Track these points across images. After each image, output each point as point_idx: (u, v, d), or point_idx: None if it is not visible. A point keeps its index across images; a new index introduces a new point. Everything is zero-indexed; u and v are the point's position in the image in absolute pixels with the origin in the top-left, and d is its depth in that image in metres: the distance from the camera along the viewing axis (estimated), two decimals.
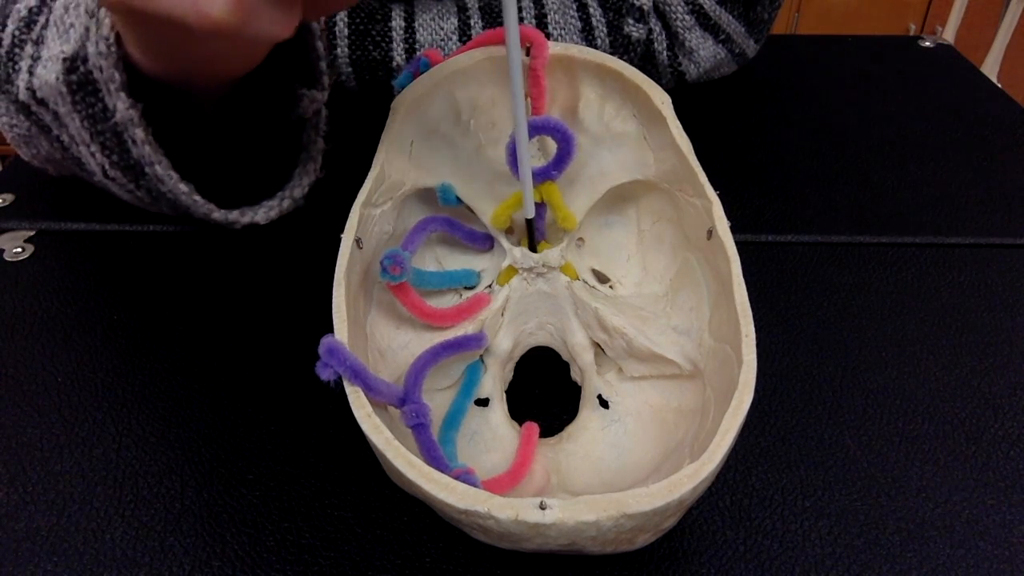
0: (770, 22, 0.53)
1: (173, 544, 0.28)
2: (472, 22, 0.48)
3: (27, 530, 0.29)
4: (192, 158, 0.36)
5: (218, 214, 0.36)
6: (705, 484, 0.23)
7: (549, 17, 0.48)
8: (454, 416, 0.30)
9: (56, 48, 0.32)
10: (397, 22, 0.47)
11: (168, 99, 0.34)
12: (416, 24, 0.48)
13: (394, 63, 0.48)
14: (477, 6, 0.48)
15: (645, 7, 0.48)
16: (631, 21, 0.48)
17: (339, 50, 0.47)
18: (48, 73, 0.32)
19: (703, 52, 0.51)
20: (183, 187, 0.34)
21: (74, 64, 0.31)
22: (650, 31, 0.50)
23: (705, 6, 0.50)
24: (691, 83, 0.53)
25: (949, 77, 0.60)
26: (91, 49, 0.31)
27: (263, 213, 0.37)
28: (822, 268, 0.41)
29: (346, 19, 0.47)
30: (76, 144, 0.35)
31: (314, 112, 0.38)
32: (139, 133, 0.32)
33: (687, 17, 0.50)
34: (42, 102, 0.34)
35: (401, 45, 0.48)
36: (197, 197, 0.35)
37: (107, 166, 0.34)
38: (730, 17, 0.50)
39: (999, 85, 0.60)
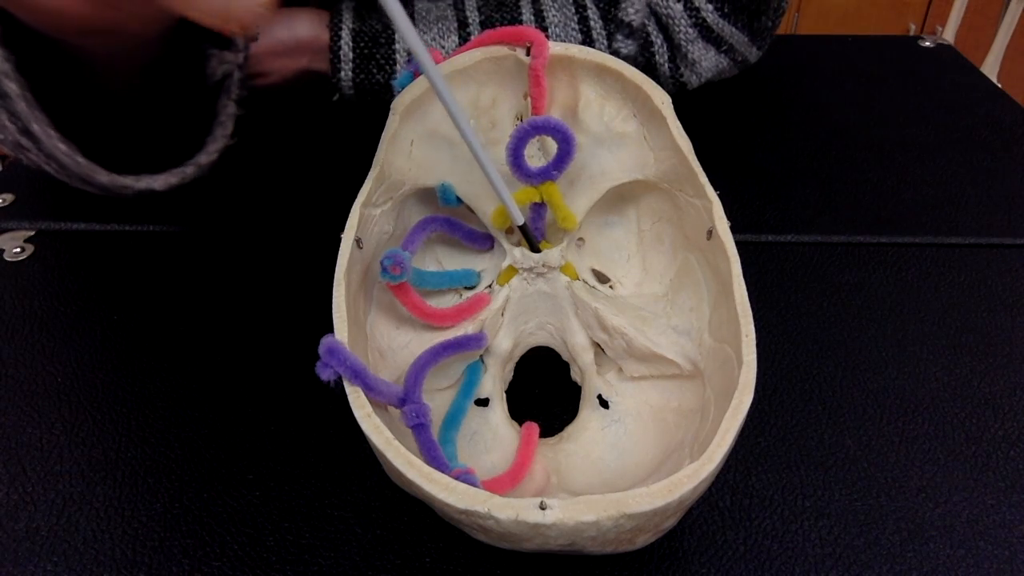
0: (774, 29, 0.52)
1: (173, 544, 0.28)
2: (473, 37, 0.48)
3: (27, 530, 0.29)
4: (95, 123, 0.35)
5: (105, 177, 0.34)
6: (705, 484, 0.23)
7: (550, 31, 0.48)
8: (454, 416, 0.30)
9: None
10: (401, 44, 0.47)
11: (61, 56, 0.33)
12: (416, 30, 0.48)
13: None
14: (478, 21, 0.48)
15: (635, 23, 0.48)
16: (620, 37, 0.48)
17: (343, 73, 0.47)
18: None
19: (705, 63, 0.51)
20: (62, 147, 0.33)
21: None
22: (651, 43, 0.49)
23: (708, 20, 0.49)
24: (691, 91, 0.53)
25: (949, 77, 0.60)
26: None
27: (163, 180, 0.35)
28: (822, 268, 0.41)
29: (351, 43, 0.47)
30: None
31: (225, 75, 0.37)
32: (13, 87, 0.31)
33: (690, 30, 0.49)
34: None
35: (405, 67, 0.48)
36: (80, 159, 0.33)
37: (16, 134, 0.33)
38: (733, 29, 0.49)
39: (999, 85, 0.60)
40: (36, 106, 0.32)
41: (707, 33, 0.49)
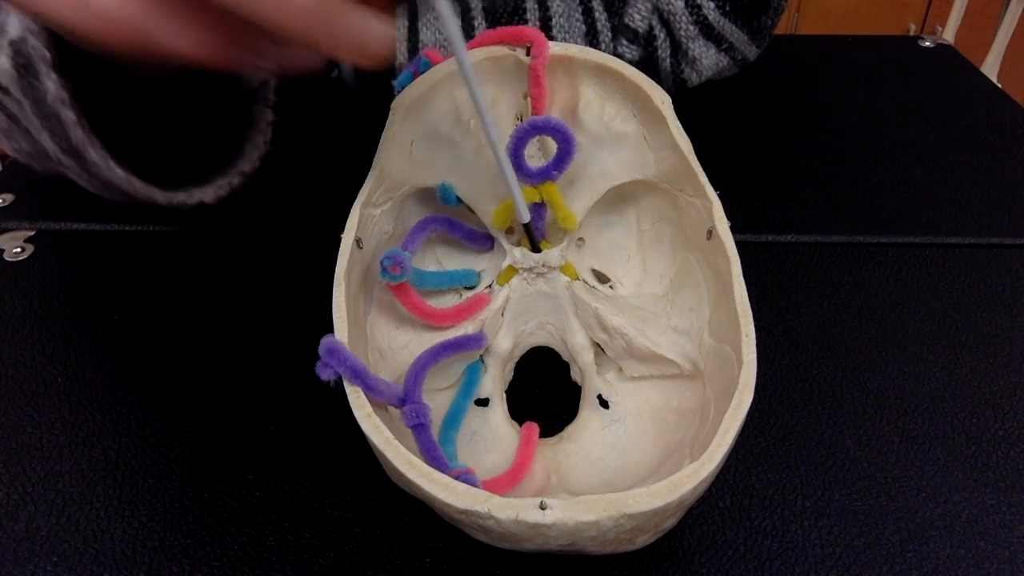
0: (773, 27, 0.52)
1: (173, 544, 0.28)
2: (476, 23, 0.48)
3: (27, 530, 0.29)
4: (137, 139, 0.35)
5: (161, 196, 0.34)
6: (705, 484, 0.23)
7: (553, 21, 0.48)
8: (454, 416, 0.30)
9: (10, 32, 0.32)
10: (401, 21, 0.47)
11: (110, 76, 0.34)
12: (420, 24, 0.48)
13: (396, 62, 0.48)
14: (480, 7, 0.48)
15: (640, 29, 0.48)
16: (624, 42, 0.48)
17: None
18: (3, 58, 0.32)
19: (705, 61, 0.51)
20: (119, 171, 0.33)
21: (20, 47, 0.31)
22: (654, 38, 0.49)
23: (709, 17, 0.49)
24: (691, 91, 0.54)
25: (949, 77, 0.60)
26: (26, 27, 0.30)
27: (212, 192, 0.36)
28: (822, 268, 0.41)
29: None
30: (35, 132, 0.34)
31: (261, 83, 0.37)
32: (70, 115, 0.31)
33: (691, 27, 0.49)
34: (5, 90, 0.33)
35: (404, 45, 0.48)
36: (135, 181, 0.34)
37: (59, 153, 0.34)
38: (734, 27, 0.50)
39: (999, 85, 0.60)
40: (92, 133, 0.32)
41: (708, 31, 0.49)
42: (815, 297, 0.39)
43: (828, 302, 0.39)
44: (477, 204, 0.33)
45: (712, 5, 0.48)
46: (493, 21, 0.48)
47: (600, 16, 0.48)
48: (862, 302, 0.39)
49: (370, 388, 0.25)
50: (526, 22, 0.48)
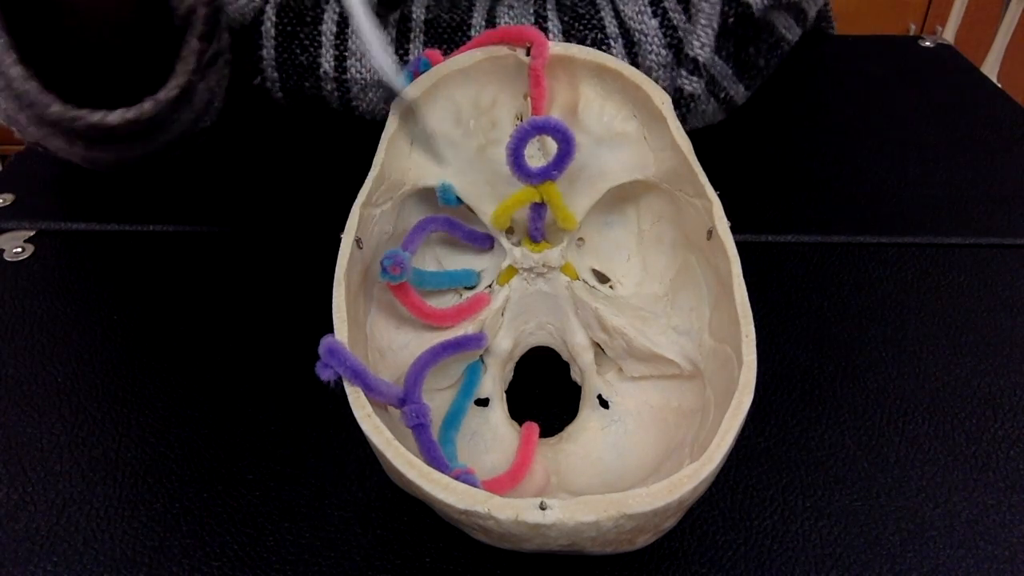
0: (765, 69, 0.48)
1: (173, 544, 0.28)
2: (412, 35, 0.45)
3: (27, 530, 0.29)
4: (59, 59, 0.35)
5: (57, 108, 0.33)
6: (705, 484, 0.23)
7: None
8: (454, 416, 0.30)
9: None
10: (328, 26, 0.45)
11: None
12: (349, 31, 0.45)
13: (321, 69, 0.45)
14: (422, 19, 0.45)
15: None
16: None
17: (264, 52, 0.45)
18: None
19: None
20: (18, 70, 0.32)
21: None
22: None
23: (683, 40, 0.43)
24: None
25: (949, 77, 0.60)
26: None
27: (119, 114, 0.34)
28: (822, 268, 0.41)
29: (273, 19, 0.44)
30: None
31: (188, 10, 0.36)
32: None
33: (663, 51, 0.43)
34: None
35: (331, 52, 0.45)
36: (32, 83, 0.33)
37: None
38: (715, 57, 0.44)
39: (999, 85, 0.60)
40: (2, 28, 0.31)
41: (682, 57, 0.44)
42: (815, 297, 0.39)
43: (828, 302, 0.39)
44: (477, 204, 0.33)
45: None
46: (435, 36, 0.45)
47: (556, 36, 0.44)
48: (862, 302, 0.39)
49: (370, 388, 0.25)
50: (470, 38, 0.45)
